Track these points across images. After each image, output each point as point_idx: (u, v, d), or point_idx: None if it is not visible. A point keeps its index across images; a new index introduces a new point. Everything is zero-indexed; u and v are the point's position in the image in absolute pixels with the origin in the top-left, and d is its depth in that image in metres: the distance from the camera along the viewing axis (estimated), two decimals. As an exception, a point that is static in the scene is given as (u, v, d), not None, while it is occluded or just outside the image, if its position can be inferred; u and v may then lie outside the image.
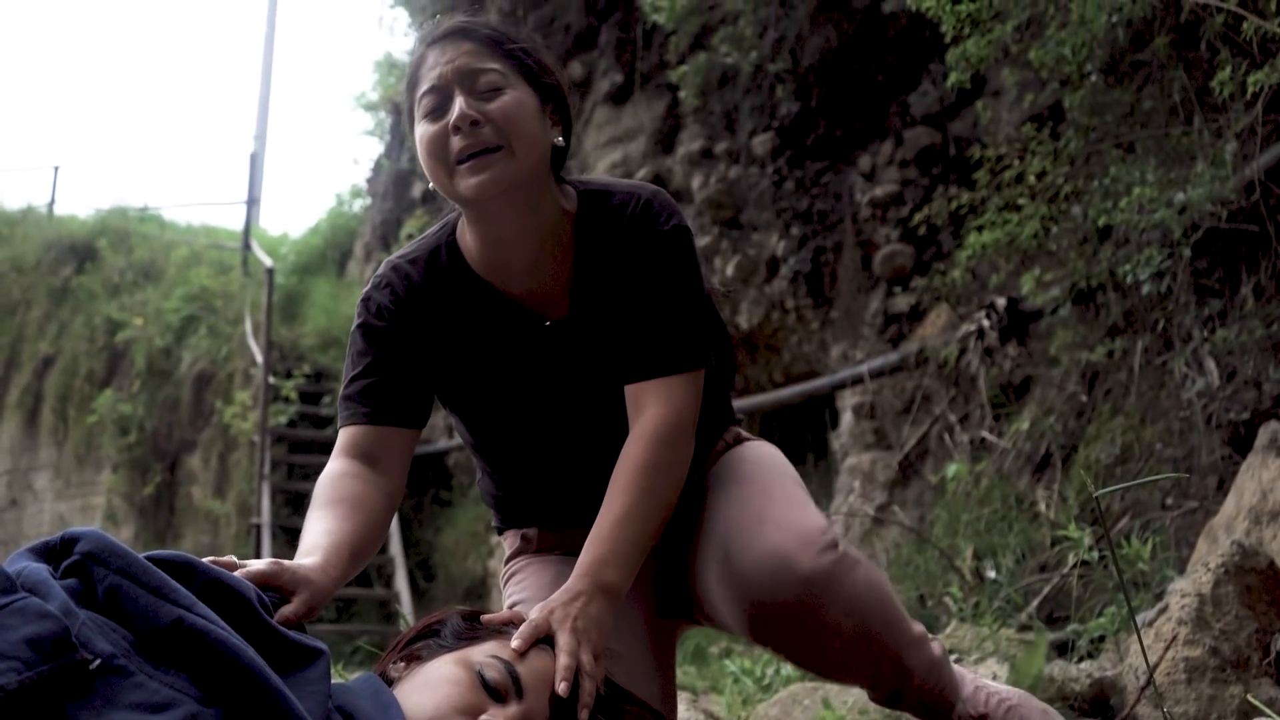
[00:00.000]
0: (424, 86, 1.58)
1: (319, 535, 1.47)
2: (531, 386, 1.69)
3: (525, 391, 1.69)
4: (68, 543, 1.09)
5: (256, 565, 1.31)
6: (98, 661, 0.96)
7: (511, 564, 1.86)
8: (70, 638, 0.96)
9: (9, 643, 0.93)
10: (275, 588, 1.31)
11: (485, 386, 1.71)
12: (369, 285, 1.71)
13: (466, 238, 1.68)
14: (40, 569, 1.05)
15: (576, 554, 1.54)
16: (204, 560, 1.17)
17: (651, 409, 1.57)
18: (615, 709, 1.41)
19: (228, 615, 1.11)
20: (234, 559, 1.31)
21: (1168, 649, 2.29)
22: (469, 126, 1.53)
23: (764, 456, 1.80)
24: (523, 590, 1.78)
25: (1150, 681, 2.21)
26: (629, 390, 1.62)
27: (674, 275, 1.62)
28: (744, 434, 1.89)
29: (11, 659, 0.92)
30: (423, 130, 1.57)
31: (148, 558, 1.10)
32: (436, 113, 1.56)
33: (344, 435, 1.65)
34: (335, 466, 1.60)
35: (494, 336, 1.68)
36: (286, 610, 1.30)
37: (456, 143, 1.54)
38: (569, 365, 1.68)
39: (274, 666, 1.08)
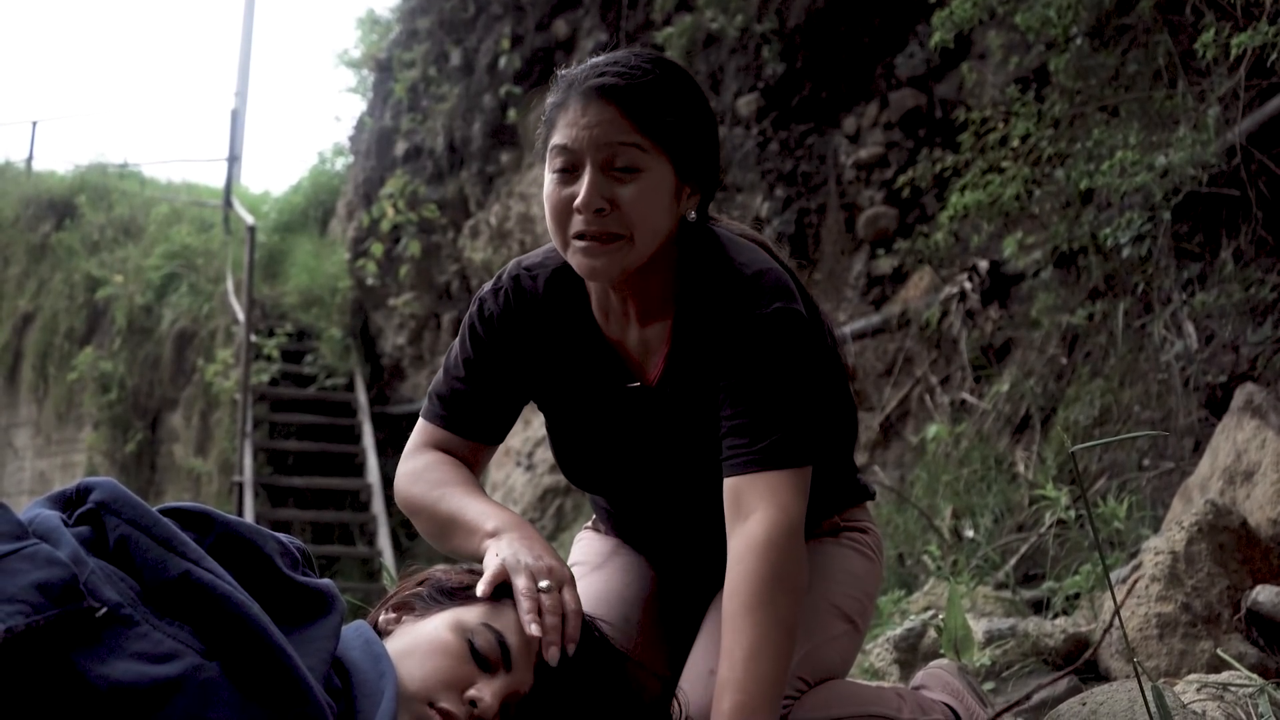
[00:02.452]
0: (556, 139, 1.47)
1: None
2: (607, 438, 1.65)
3: (601, 439, 1.66)
4: (83, 491, 1.11)
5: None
6: (104, 610, 0.98)
7: (582, 533, 1.92)
8: (78, 585, 0.97)
9: (18, 586, 0.95)
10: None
11: (565, 420, 1.68)
12: (489, 285, 1.65)
13: None
14: (53, 516, 1.06)
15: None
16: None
17: (758, 512, 1.44)
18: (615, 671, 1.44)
19: (242, 567, 1.12)
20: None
21: (1127, 594, 2.34)
22: (593, 213, 1.45)
23: (830, 567, 1.68)
24: (581, 554, 1.85)
25: (1112, 626, 2.26)
26: (727, 484, 1.49)
27: (773, 364, 1.50)
28: (851, 522, 1.77)
29: (20, 603, 0.93)
30: (550, 186, 1.48)
31: (162, 510, 1.12)
32: (565, 175, 1.47)
33: (426, 428, 1.69)
34: (431, 457, 1.66)
35: (584, 380, 1.64)
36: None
37: (578, 222, 1.46)
38: (648, 427, 1.63)
39: (284, 620, 1.10)
